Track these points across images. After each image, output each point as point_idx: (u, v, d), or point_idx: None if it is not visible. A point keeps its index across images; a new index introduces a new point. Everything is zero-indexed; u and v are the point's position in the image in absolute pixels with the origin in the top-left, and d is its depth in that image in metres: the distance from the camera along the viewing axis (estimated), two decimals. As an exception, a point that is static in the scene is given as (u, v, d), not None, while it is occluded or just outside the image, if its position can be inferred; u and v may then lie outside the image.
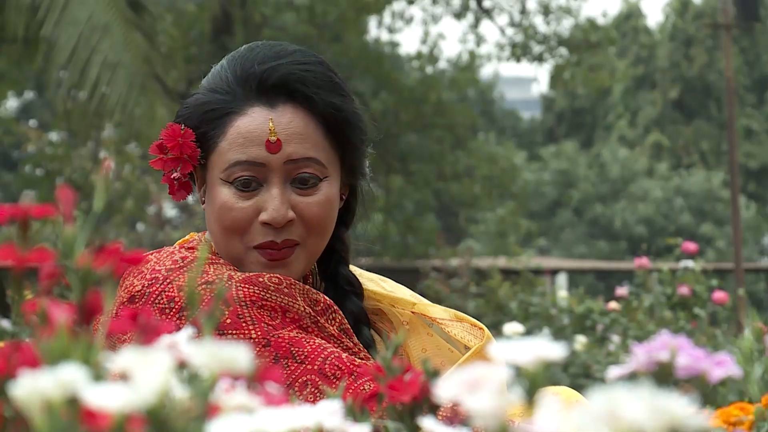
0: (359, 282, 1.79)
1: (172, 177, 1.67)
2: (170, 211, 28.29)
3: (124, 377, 0.68)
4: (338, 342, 1.61)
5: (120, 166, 18.68)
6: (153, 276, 1.61)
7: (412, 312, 1.80)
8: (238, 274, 1.62)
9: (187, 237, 1.77)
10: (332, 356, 1.55)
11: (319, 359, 1.54)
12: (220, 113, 1.65)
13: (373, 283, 1.82)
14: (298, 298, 1.61)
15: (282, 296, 1.59)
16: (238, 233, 1.65)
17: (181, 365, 0.72)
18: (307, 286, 1.65)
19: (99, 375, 0.69)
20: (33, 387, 0.65)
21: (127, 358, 0.68)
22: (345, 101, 1.69)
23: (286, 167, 1.65)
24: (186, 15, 15.99)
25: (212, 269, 1.62)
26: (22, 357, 0.71)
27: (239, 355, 0.71)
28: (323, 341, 1.58)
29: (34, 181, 17.96)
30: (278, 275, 1.62)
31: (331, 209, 1.69)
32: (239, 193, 1.64)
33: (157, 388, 0.67)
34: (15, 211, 0.78)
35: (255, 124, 1.64)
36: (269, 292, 1.59)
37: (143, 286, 1.60)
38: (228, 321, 1.55)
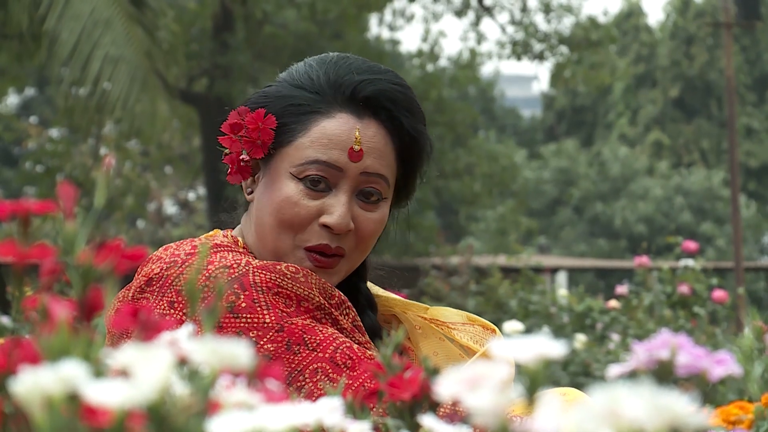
0: (374, 299, 1.81)
1: (240, 158, 1.67)
2: (170, 208, 28.31)
3: (124, 373, 0.68)
4: (350, 336, 1.62)
5: (120, 162, 18.68)
6: (172, 260, 1.62)
7: (424, 317, 1.81)
8: (256, 261, 1.62)
9: (211, 233, 1.78)
10: (344, 345, 1.56)
11: (331, 347, 1.55)
12: (306, 110, 1.67)
13: (383, 291, 1.84)
14: (314, 289, 1.61)
15: (298, 285, 1.60)
16: (293, 230, 1.66)
17: (182, 362, 0.72)
18: (323, 280, 1.65)
19: (99, 371, 0.69)
20: (33, 383, 0.65)
21: (127, 354, 0.68)
22: (423, 131, 1.73)
23: (360, 178, 1.67)
24: (187, 12, 15.99)
25: (231, 255, 1.63)
26: (23, 353, 0.71)
27: (240, 351, 0.71)
28: (336, 331, 1.59)
29: (34, 178, 17.96)
30: (295, 265, 1.63)
31: (381, 229, 1.72)
32: (307, 190, 1.65)
33: (158, 384, 0.67)
34: (16, 207, 0.78)
35: (342, 129, 1.66)
36: (286, 279, 1.59)
37: (161, 269, 1.61)
38: (243, 305, 1.55)
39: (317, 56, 1.76)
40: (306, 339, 1.55)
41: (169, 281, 1.60)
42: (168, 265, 1.61)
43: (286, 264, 1.62)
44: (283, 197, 1.66)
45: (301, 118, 1.67)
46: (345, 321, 1.64)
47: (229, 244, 1.68)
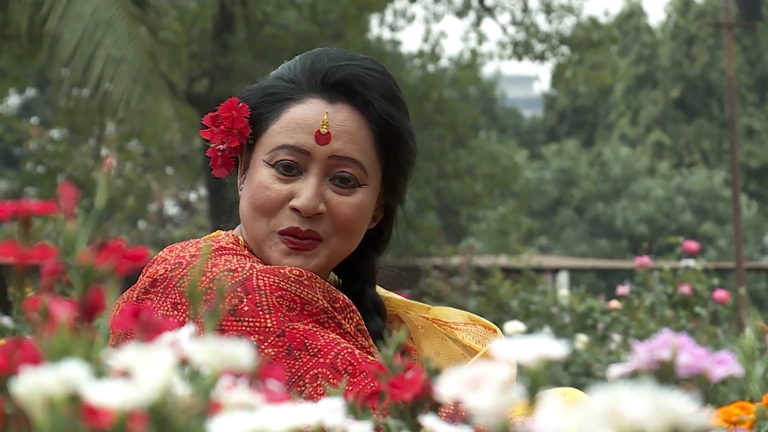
0: (383, 304, 1.80)
1: (217, 149, 1.69)
2: (171, 208, 28.32)
3: (125, 374, 0.68)
4: (354, 340, 1.62)
5: (122, 163, 18.68)
6: (177, 261, 1.62)
7: (426, 317, 1.81)
8: (261, 264, 1.63)
9: (213, 234, 1.78)
10: (345, 351, 1.55)
11: (332, 353, 1.55)
12: (279, 98, 1.68)
13: (384, 292, 1.84)
14: (318, 292, 1.61)
15: (302, 288, 1.60)
16: (267, 214, 1.67)
17: (183, 362, 0.72)
18: (327, 283, 1.65)
19: (100, 372, 0.69)
20: (34, 384, 0.65)
21: (128, 355, 0.68)
22: (402, 116, 1.72)
23: (329, 162, 1.67)
24: (187, 12, 15.99)
25: (235, 259, 1.63)
26: (24, 354, 0.71)
27: (241, 352, 0.71)
28: (338, 336, 1.59)
29: (35, 179, 17.96)
30: (300, 269, 1.63)
31: (362, 215, 1.70)
32: (278, 175, 1.66)
33: (159, 385, 0.67)
34: (17, 208, 0.78)
35: (310, 113, 1.67)
36: (289, 283, 1.59)
37: (166, 270, 1.61)
38: (246, 308, 1.55)
39: (308, 52, 1.77)
40: (307, 344, 1.55)
41: (173, 283, 1.60)
42: (173, 267, 1.61)
43: (290, 267, 1.62)
44: (257, 183, 1.67)
45: (275, 106, 1.68)
46: (348, 325, 1.63)
47: (233, 247, 1.68)
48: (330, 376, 1.53)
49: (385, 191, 1.75)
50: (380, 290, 1.83)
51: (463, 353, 1.79)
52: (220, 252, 1.65)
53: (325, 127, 1.66)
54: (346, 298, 1.66)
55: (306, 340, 1.55)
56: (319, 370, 1.53)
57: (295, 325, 1.56)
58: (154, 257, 1.66)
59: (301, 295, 1.59)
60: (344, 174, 1.67)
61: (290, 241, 1.66)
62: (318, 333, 1.57)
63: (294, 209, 1.66)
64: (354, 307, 1.66)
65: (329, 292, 1.63)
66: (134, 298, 1.62)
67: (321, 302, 1.60)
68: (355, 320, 1.65)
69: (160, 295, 1.60)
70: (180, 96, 14.59)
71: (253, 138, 1.69)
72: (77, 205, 0.78)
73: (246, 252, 1.68)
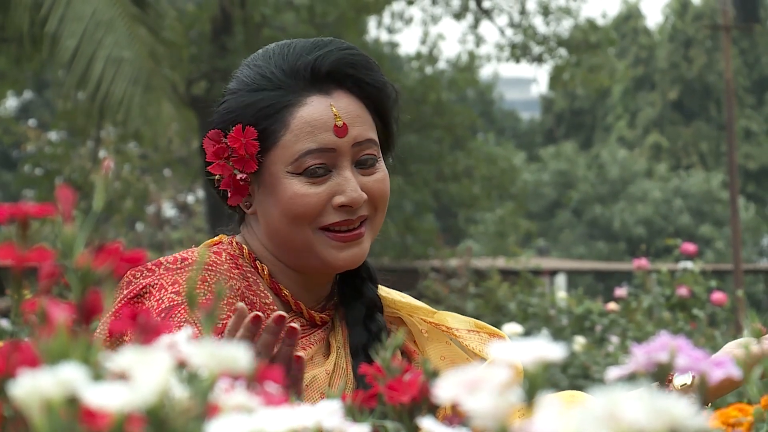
0: (381, 302, 1.80)
1: (238, 178, 1.67)
2: (169, 211, 28.30)
3: (123, 377, 0.68)
4: None
5: (119, 165, 18.67)
6: (152, 267, 1.63)
7: (430, 322, 1.80)
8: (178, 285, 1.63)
9: (215, 238, 1.78)
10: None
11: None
12: (277, 108, 1.67)
13: (389, 294, 1.83)
14: (252, 290, 1.66)
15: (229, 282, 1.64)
16: (308, 220, 1.67)
17: (181, 365, 0.72)
18: (268, 303, 1.68)
19: (98, 374, 0.69)
20: (32, 386, 0.65)
21: (126, 357, 0.68)
22: (384, 79, 1.74)
23: (353, 150, 1.68)
24: (186, 15, 15.99)
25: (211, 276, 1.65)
26: (22, 356, 0.71)
27: (239, 354, 0.71)
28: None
29: (33, 181, 17.95)
30: (258, 299, 1.67)
31: (388, 186, 1.73)
32: (310, 180, 1.66)
33: (157, 387, 0.67)
34: (15, 210, 0.78)
35: (318, 111, 1.67)
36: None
37: (140, 275, 1.63)
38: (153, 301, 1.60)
39: (258, 54, 1.75)
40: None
41: (138, 289, 1.62)
42: (147, 272, 1.64)
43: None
44: (290, 195, 1.66)
45: (276, 118, 1.67)
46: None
47: (213, 262, 1.68)
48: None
49: (385, 153, 1.77)
50: (384, 291, 1.83)
51: (468, 358, 1.78)
52: (190, 267, 1.65)
53: (339, 119, 1.67)
54: (293, 326, 1.68)
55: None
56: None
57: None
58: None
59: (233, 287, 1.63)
60: (365, 156, 1.69)
61: (340, 238, 1.67)
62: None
63: (342, 206, 1.67)
64: (319, 345, 1.71)
65: (261, 302, 1.68)
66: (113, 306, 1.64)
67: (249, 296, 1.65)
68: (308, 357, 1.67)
69: (122, 298, 1.62)
70: (183, 96, 14.60)
71: (260, 155, 1.67)
72: (75, 208, 0.78)
73: (240, 262, 1.70)
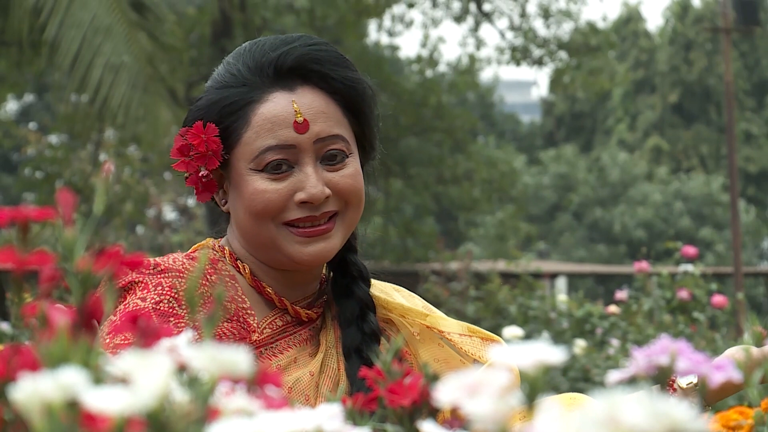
0: (373, 300, 1.79)
1: (200, 175, 1.68)
2: (170, 214, 28.29)
3: (124, 380, 0.68)
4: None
5: (120, 169, 18.67)
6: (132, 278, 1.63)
7: (422, 324, 1.79)
8: (175, 289, 1.63)
9: (203, 242, 1.78)
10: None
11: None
12: (240, 105, 1.67)
13: (384, 294, 1.82)
14: (230, 292, 1.65)
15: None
16: (271, 216, 1.67)
17: (181, 368, 0.72)
18: (245, 308, 1.68)
19: (99, 378, 0.69)
20: (33, 390, 0.65)
21: (127, 361, 0.68)
22: (357, 75, 1.73)
23: (316, 146, 1.67)
24: (186, 18, 15.99)
25: (166, 283, 1.63)
26: (22, 360, 0.71)
27: (239, 358, 0.71)
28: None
29: (33, 184, 17.95)
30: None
31: (360, 181, 1.72)
32: (271, 176, 1.66)
33: (157, 391, 0.67)
34: (15, 214, 0.78)
35: (279, 108, 1.66)
36: (162, 317, 1.60)
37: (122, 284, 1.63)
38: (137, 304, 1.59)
39: (233, 52, 1.75)
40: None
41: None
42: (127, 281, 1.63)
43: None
44: (251, 192, 1.66)
45: (238, 115, 1.67)
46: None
47: (180, 269, 1.66)
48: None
49: (363, 151, 1.76)
50: (378, 291, 1.82)
51: (462, 360, 1.77)
52: (162, 274, 1.64)
53: (299, 116, 1.66)
54: (259, 334, 1.67)
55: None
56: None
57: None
58: None
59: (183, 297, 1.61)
60: (332, 151, 1.68)
61: (304, 233, 1.67)
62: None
63: (303, 202, 1.66)
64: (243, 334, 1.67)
65: (236, 306, 1.67)
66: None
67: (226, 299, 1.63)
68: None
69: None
70: (179, 101, 14.60)
71: (226, 152, 1.67)
72: (75, 211, 0.78)
73: (219, 266, 1.70)
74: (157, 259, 1.66)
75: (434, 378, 0.90)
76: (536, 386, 0.70)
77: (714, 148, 36.91)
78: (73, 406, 0.65)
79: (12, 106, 28.31)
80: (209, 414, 0.70)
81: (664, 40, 38.12)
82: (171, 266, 1.65)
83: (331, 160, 1.68)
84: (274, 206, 1.66)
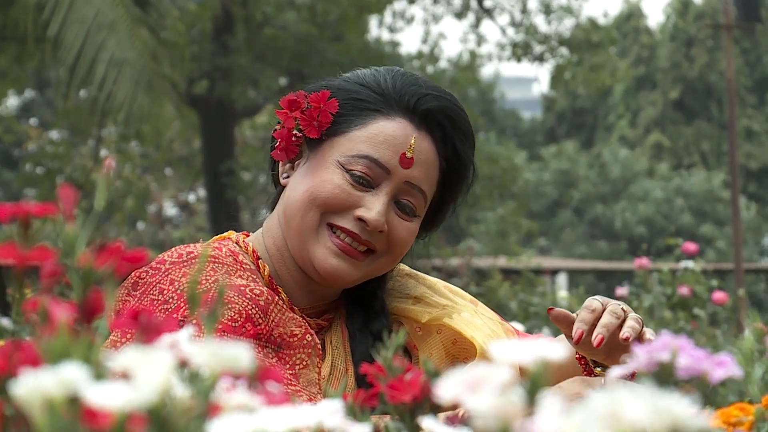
0: (386, 307, 1.79)
1: (292, 133, 1.67)
2: (171, 209, 28.30)
3: (125, 376, 0.68)
4: (288, 381, 1.59)
5: (121, 164, 18.67)
6: (157, 266, 1.61)
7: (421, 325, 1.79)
8: (231, 278, 1.60)
9: (224, 234, 1.77)
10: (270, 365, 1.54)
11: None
12: (367, 106, 1.67)
13: (410, 300, 1.81)
14: (270, 318, 1.60)
15: (254, 307, 1.58)
16: (325, 209, 1.65)
17: (182, 364, 0.72)
18: (296, 315, 1.64)
19: (100, 374, 0.69)
20: (34, 386, 0.65)
21: (128, 356, 0.68)
22: (471, 155, 1.74)
23: (402, 186, 1.67)
24: (187, 13, 15.98)
25: (208, 268, 1.61)
26: (23, 356, 0.71)
27: (240, 354, 0.71)
28: (263, 358, 1.56)
29: (34, 180, 17.95)
30: (264, 290, 1.61)
31: (411, 242, 1.72)
32: (351, 182, 1.65)
33: (158, 387, 0.67)
34: (16, 209, 0.78)
35: (399, 133, 1.66)
36: (243, 298, 1.58)
37: (147, 275, 1.60)
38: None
39: (382, 66, 1.76)
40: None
41: (149, 288, 1.59)
42: (153, 270, 1.61)
43: (253, 287, 1.60)
44: (325, 179, 1.65)
45: (361, 113, 1.67)
46: (290, 361, 1.61)
47: (216, 256, 1.64)
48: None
49: (427, 220, 1.76)
50: (398, 302, 1.82)
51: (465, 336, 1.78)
52: (208, 261, 1.63)
53: (410, 151, 1.66)
54: (310, 337, 1.63)
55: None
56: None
57: (226, 336, 1.55)
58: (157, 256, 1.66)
59: (250, 313, 1.57)
60: (409, 203, 1.68)
61: (339, 245, 1.65)
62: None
63: (360, 219, 1.65)
64: (314, 350, 1.63)
65: (289, 323, 1.62)
66: (120, 297, 1.60)
67: (265, 326, 1.58)
68: (304, 363, 1.62)
69: (138, 298, 1.58)
70: (184, 96, 14.59)
71: (326, 135, 1.67)
72: (76, 207, 0.78)
73: (239, 259, 1.66)
74: (186, 248, 1.65)
75: (435, 374, 0.90)
76: (538, 382, 0.70)
77: (715, 144, 36.90)
78: (74, 401, 0.65)
79: (13, 101, 28.32)
80: (210, 410, 0.70)
81: (665, 36, 38.09)
82: (207, 254, 1.64)
83: (401, 208, 1.68)
84: (335, 202, 1.65)
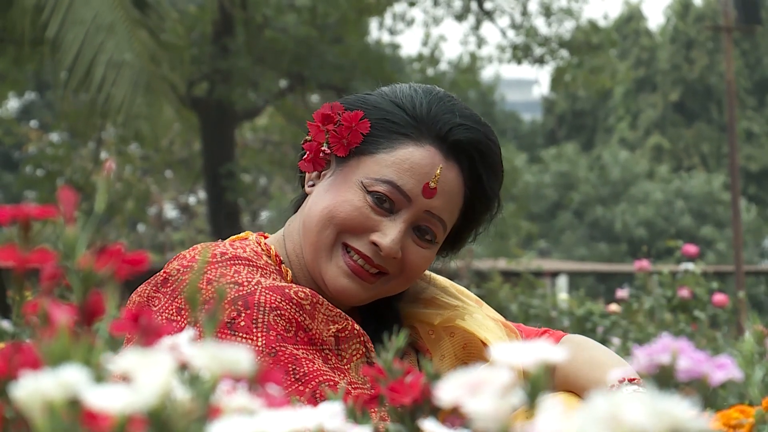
0: (402, 318, 1.79)
1: (322, 148, 1.67)
2: (171, 212, 28.29)
3: (125, 378, 0.68)
4: (345, 375, 1.59)
5: (121, 166, 18.68)
6: (189, 264, 1.61)
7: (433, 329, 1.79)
8: (269, 281, 1.60)
9: (242, 234, 1.76)
10: (329, 383, 1.53)
11: (315, 382, 1.53)
12: (398, 129, 1.66)
13: (421, 303, 1.81)
14: (318, 319, 1.60)
15: (302, 313, 1.58)
16: (342, 228, 1.65)
17: (183, 367, 0.72)
18: (337, 309, 1.63)
19: (100, 376, 0.69)
20: (34, 388, 0.65)
21: (128, 359, 0.68)
22: (498, 194, 1.74)
23: (422, 215, 1.67)
24: (187, 16, 15.98)
25: (245, 271, 1.61)
26: (23, 358, 0.71)
27: (240, 357, 0.71)
28: (326, 367, 1.56)
29: (34, 182, 17.94)
30: (306, 290, 1.61)
31: (426, 267, 1.72)
32: (372, 204, 1.65)
33: (159, 389, 0.67)
34: (16, 212, 0.78)
35: (425, 162, 1.65)
36: (291, 305, 1.57)
37: (178, 272, 1.60)
38: (242, 323, 1.53)
39: (426, 85, 1.74)
40: (293, 369, 1.52)
41: (181, 286, 1.58)
42: (184, 269, 1.60)
43: (296, 289, 1.59)
44: (346, 199, 1.65)
45: (391, 136, 1.66)
46: (350, 356, 1.61)
47: (249, 257, 1.65)
48: (307, 405, 1.50)
49: (447, 245, 1.76)
50: (411, 306, 1.82)
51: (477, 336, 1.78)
52: (233, 261, 1.62)
53: (435, 181, 1.65)
54: (355, 326, 1.64)
55: (293, 365, 1.53)
56: (299, 397, 1.51)
57: (287, 347, 1.54)
58: (181, 252, 1.66)
59: (299, 320, 1.57)
60: (428, 230, 1.68)
61: (351, 266, 1.65)
62: (306, 360, 1.54)
63: (374, 243, 1.65)
64: (364, 338, 1.64)
65: (335, 319, 1.61)
66: (146, 294, 1.60)
67: (316, 330, 1.58)
68: (361, 351, 1.63)
69: (168, 296, 1.58)
70: (185, 98, 14.58)
71: (354, 152, 1.67)
72: (77, 209, 0.78)
73: (264, 261, 1.66)
74: (217, 247, 1.64)
75: (435, 376, 0.90)
76: (538, 385, 0.70)
77: (715, 146, 36.90)
78: (74, 404, 0.65)
79: (13, 103, 28.33)
80: (211, 412, 0.70)
81: (665, 38, 38.10)
82: (239, 255, 1.64)
83: (421, 233, 1.68)
84: (353, 223, 1.65)
